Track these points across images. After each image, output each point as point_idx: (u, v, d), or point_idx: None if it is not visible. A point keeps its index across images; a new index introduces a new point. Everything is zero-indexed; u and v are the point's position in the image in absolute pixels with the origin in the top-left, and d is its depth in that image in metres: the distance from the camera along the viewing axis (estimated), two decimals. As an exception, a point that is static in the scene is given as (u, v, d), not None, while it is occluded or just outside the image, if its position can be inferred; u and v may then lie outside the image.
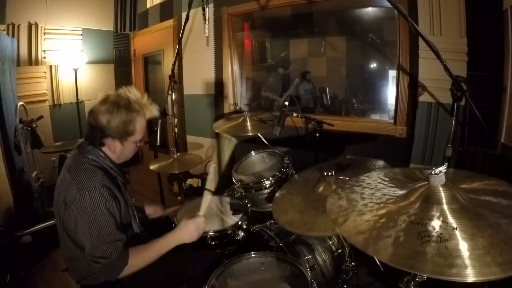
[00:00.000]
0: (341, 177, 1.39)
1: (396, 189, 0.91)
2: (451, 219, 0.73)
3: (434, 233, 0.70)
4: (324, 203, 1.27)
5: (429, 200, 0.79)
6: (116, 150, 1.27)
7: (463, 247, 0.65)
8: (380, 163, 1.48)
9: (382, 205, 0.85)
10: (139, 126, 1.26)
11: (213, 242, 1.54)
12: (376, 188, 0.95)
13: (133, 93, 1.28)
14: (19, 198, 2.60)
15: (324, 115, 3.21)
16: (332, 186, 1.35)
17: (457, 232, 0.69)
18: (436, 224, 0.72)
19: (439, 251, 0.66)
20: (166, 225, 1.65)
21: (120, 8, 4.24)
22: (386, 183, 0.97)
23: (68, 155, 1.30)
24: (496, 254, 0.62)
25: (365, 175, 1.05)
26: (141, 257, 1.20)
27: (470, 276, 0.60)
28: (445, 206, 0.76)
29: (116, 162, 1.32)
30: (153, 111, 1.33)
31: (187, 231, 1.31)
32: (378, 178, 1.01)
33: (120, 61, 4.48)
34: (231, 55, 3.28)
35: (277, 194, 1.51)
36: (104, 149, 1.26)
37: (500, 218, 0.71)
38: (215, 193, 1.88)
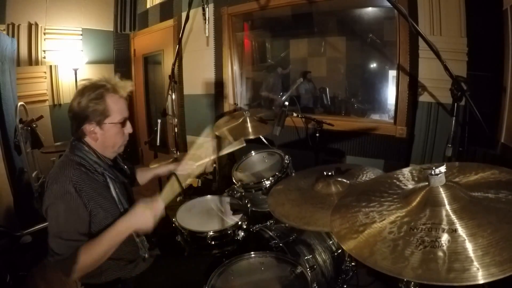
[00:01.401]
0: (340, 179, 1.39)
1: (397, 195, 0.90)
2: (452, 221, 0.72)
3: (433, 238, 0.70)
4: (323, 200, 1.29)
5: (431, 203, 0.78)
6: (97, 136, 1.20)
7: (463, 249, 0.65)
8: (378, 172, 1.47)
9: (384, 214, 0.84)
10: (113, 104, 1.19)
11: (213, 242, 1.54)
12: (377, 196, 0.94)
13: (103, 76, 1.23)
14: (19, 198, 2.60)
15: (324, 115, 3.21)
16: (331, 185, 1.35)
17: (457, 234, 0.69)
18: (437, 229, 0.72)
19: (441, 257, 0.65)
20: (163, 223, 1.66)
21: (120, 8, 4.24)
22: (386, 188, 0.97)
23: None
24: (496, 253, 0.62)
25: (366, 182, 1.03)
26: (94, 254, 1.11)
27: (469, 280, 0.59)
28: (446, 207, 0.76)
29: (107, 154, 1.26)
30: (126, 86, 1.24)
31: (142, 219, 1.16)
32: (380, 184, 1.00)
33: (120, 61, 4.48)
34: (231, 55, 3.28)
35: (274, 188, 1.51)
36: (87, 139, 1.21)
37: (503, 212, 0.71)
38: (216, 193, 1.88)
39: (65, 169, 1.14)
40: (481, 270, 0.60)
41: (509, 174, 0.85)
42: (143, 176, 1.69)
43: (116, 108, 1.20)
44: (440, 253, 0.66)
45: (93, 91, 1.16)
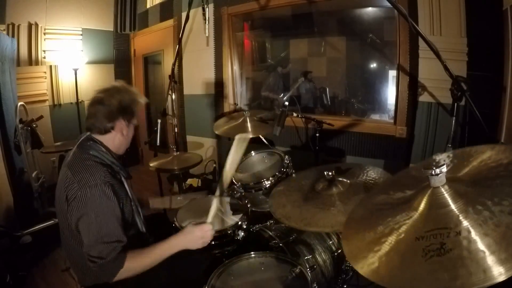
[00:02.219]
0: (341, 179, 1.39)
1: (401, 202, 0.89)
2: (456, 222, 0.71)
3: (440, 246, 0.68)
4: (324, 201, 1.29)
5: (434, 206, 0.77)
6: (124, 133, 1.29)
7: (468, 253, 0.64)
8: (378, 171, 1.46)
9: (391, 226, 0.82)
10: (138, 109, 1.35)
11: (213, 242, 1.53)
12: (382, 207, 0.92)
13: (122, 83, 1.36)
14: (19, 198, 2.60)
15: (324, 115, 3.21)
16: (331, 186, 1.35)
17: (461, 237, 0.67)
18: (441, 234, 0.70)
19: (443, 265, 0.64)
20: (166, 225, 1.66)
21: (120, 8, 4.24)
22: (391, 195, 0.96)
23: (68, 152, 1.29)
24: (501, 250, 0.61)
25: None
26: (139, 262, 1.17)
27: (475, 284, 0.58)
28: (450, 207, 0.75)
29: (117, 153, 1.32)
30: (143, 98, 1.39)
31: (191, 238, 1.25)
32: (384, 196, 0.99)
33: (120, 61, 4.48)
34: (231, 55, 3.28)
35: (274, 190, 1.51)
36: (106, 137, 1.26)
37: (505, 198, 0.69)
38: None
39: (94, 171, 1.15)
40: (487, 272, 0.59)
41: (509, 153, 0.82)
42: None
43: (137, 112, 1.35)
44: (445, 261, 0.65)
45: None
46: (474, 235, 0.67)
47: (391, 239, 0.78)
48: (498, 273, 0.58)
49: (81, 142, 1.25)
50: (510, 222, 0.65)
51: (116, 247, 1.12)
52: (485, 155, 0.86)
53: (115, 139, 1.28)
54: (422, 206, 0.80)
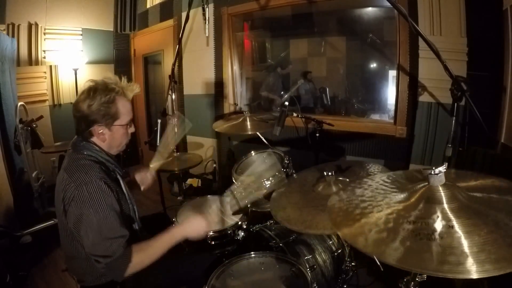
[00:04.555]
0: (341, 178, 1.39)
1: (397, 191, 0.91)
2: (449, 218, 0.73)
3: (431, 232, 0.70)
4: (324, 202, 1.28)
5: (429, 200, 0.79)
6: (106, 137, 1.23)
7: (459, 244, 0.66)
8: (378, 167, 1.47)
9: (382, 206, 0.85)
10: (122, 107, 1.23)
11: (213, 242, 1.54)
12: (377, 191, 0.95)
13: (110, 77, 1.26)
14: (19, 198, 2.60)
15: (324, 115, 3.21)
16: (331, 186, 1.35)
17: (454, 230, 0.70)
18: (434, 223, 0.73)
19: (436, 249, 0.66)
20: (164, 223, 1.66)
21: (120, 8, 4.24)
22: (387, 185, 0.97)
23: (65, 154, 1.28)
24: (491, 252, 0.62)
25: (367, 177, 1.05)
26: (146, 254, 1.15)
27: (463, 273, 0.61)
28: (444, 206, 0.76)
29: (111, 153, 1.29)
30: (134, 89, 1.29)
31: (197, 228, 1.29)
32: (380, 180, 1.01)
33: (120, 61, 4.48)
34: (231, 55, 3.28)
35: (275, 192, 1.50)
36: (94, 140, 1.23)
37: (500, 215, 0.72)
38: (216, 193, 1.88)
39: (87, 169, 1.15)
40: (476, 266, 0.60)
41: (509, 184, 0.85)
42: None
43: (125, 110, 1.25)
44: (435, 246, 0.67)
45: (104, 95, 1.18)
46: (466, 232, 0.69)
47: (381, 215, 0.81)
48: (486, 269, 0.59)
49: (75, 143, 1.24)
50: (504, 233, 0.66)
51: (121, 242, 1.10)
52: (486, 181, 0.89)
53: (102, 142, 1.24)
54: (417, 197, 0.82)
